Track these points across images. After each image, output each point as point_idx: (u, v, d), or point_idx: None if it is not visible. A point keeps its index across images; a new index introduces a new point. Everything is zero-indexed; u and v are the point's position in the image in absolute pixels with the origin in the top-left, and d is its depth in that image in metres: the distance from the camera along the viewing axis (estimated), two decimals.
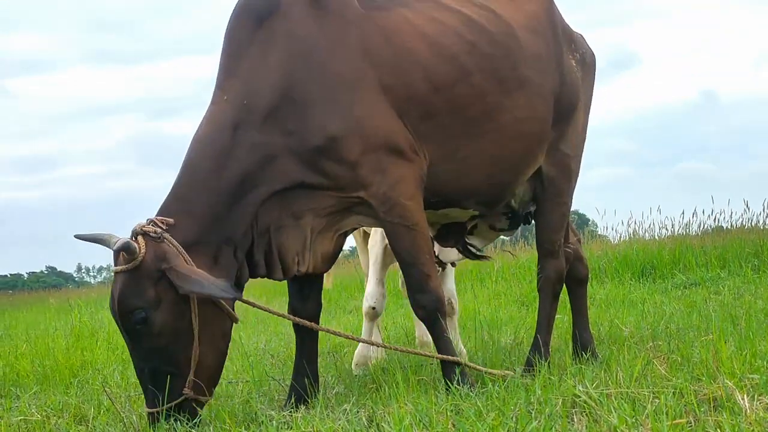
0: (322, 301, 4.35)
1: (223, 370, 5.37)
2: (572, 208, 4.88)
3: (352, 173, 3.89)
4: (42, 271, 64.38)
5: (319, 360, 5.92)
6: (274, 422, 3.46)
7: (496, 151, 4.26)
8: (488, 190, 4.39)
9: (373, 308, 5.64)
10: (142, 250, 3.61)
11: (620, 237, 13.63)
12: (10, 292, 34.08)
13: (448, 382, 3.87)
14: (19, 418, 4.24)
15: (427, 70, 4.04)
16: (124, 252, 3.61)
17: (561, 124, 4.56)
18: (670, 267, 10.67)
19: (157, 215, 3.78)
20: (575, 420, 3.01)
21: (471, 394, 3.55)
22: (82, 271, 71.87)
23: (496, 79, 4.22)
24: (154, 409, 3.65)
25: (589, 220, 25.07)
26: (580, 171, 4.84)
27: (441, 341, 4.03)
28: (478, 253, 5.16)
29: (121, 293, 3.64)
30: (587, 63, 4.84)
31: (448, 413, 3.18)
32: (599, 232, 15.83)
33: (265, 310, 4.15)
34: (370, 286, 5.70)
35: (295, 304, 4.27)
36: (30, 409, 4.46)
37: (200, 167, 3.83)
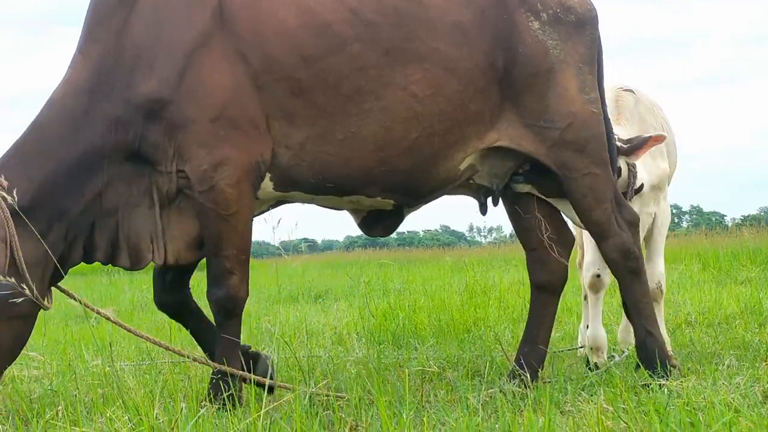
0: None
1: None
2: None
3: (176, 143, 3.59)
4: (436, 230, 67.31)
5: (707, 331, 5.74)
6: (665, 390, 3.45)
7: (384, 133, 3.76)
8: (390, 177, 3.86)
9: (598, 276, 4.94)
10: None
11: None
12: (408, 248, 35.98)
13: (212, 391, 3.61)
14: (418, 368, 4.50)
15: (295, 41, 3.66)
16: None
17: (525, 96, 3.97)
18: None
19: None
20: None
21: None
22: (474, 230, 74.20)
23: (381, 50, 3.72)
24: None
25: None
26: None
27: (224, 347, 3.70)
28: None
29: None
30: (568, 20, 4.09)
31: None
32: None
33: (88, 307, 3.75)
34: (590, 255, 4.98)
35: (162, 296, 4.02)
36: (427, 360, 4.75)
37: (49, 131, 3.64)
